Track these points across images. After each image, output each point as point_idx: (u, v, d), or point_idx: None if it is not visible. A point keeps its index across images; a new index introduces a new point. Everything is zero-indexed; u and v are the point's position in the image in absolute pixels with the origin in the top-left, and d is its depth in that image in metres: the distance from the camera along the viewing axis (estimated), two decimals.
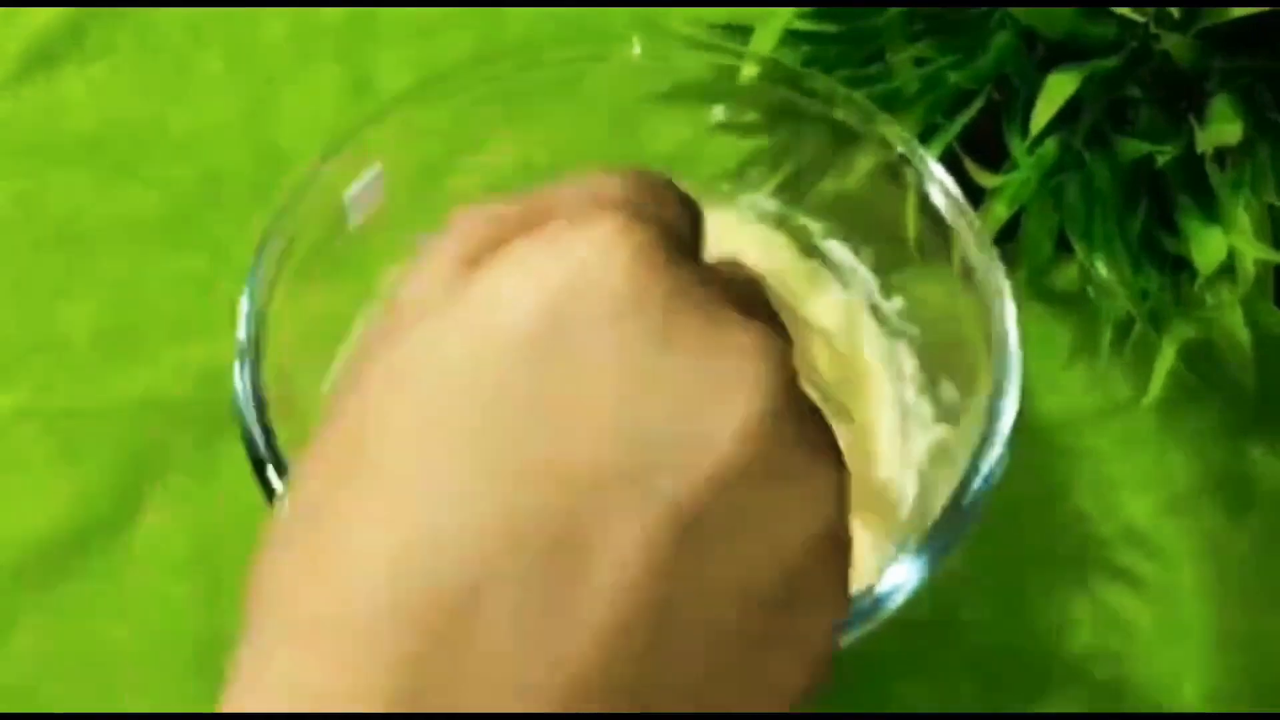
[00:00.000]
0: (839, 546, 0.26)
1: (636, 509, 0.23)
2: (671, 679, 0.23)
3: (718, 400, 0.24)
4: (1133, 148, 0.48)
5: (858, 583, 0.38)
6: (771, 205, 0.51)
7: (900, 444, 0.47)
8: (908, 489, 0.45)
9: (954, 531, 0.39)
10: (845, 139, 0.47)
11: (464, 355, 0.24)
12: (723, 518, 0.23)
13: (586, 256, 0.25)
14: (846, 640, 0.37)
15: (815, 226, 0.51)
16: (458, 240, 0.27)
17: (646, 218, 0.26)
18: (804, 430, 0.25)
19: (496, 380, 0.24)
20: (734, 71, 0.48)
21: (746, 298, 0.27)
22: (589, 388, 0.24)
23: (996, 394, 0.41)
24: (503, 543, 0.22)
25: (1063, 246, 0.51)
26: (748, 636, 0.24)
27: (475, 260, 0.26)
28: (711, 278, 0.26)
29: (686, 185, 0.51)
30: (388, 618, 0.22)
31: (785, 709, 0.25)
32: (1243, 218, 0.46)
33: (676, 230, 0.27)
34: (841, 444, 0.27)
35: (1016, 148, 0.50)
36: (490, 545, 0.22)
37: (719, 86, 0.49)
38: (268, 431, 0.40)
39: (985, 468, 0.39)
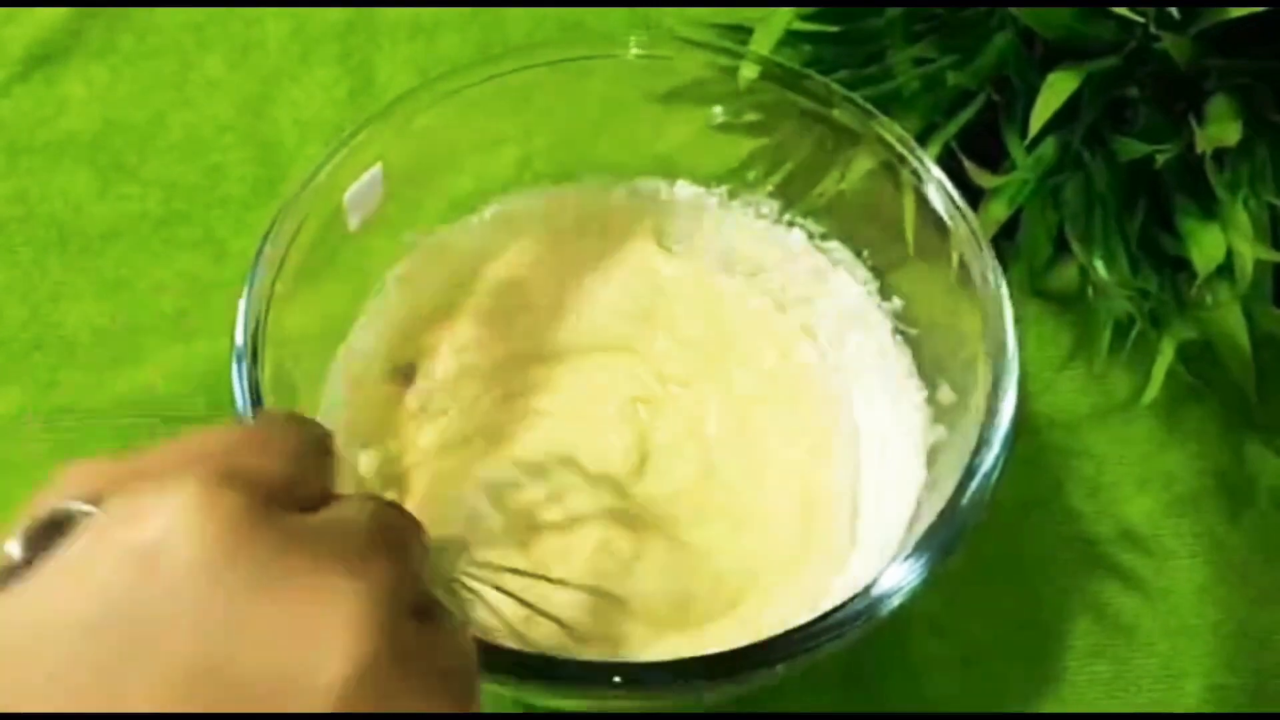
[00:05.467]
0: None
1: None
2: None
3: (307, 665, 0.24)
4: (1132, 148, 0.48)
5: (849, 589, 0.38)
6: (771, 205, 0.51)
7: (898, 447, 0.47)
8: (908, 490, 0.45)
9: (953, 531, 0.39)
10: (844, 139, 0.47)
11: (22, 657, 0.24)
12: None
13: (165, 526, 0.24)
14: (848, 639, 0.37)
15: (814, 227, 0.51)
16: (33, 509, 0.27)
17: (238, 475, 0.26)
18: (414, 669, 0.26)
19: (59, 682, 0.23)
20: (734, 72, 0.48)
21: (363, 537, 0.27)
22: (159, 685, 0.23)
23: (995, 394, 0.41)
24: None
25: (1061, 247, 0.51)
26: None
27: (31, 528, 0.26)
28: (311, 529, 0.26)
29: (678, 188, 0.51)
30: None
31: None
32: (1241, 218, 0.46)
33: (279, 480, 0.27)
34: None
35: (1015, 148, 0.50)
36: None
37: (719, 86, 0.49)
38: None
39: (983, 468, 0.39)
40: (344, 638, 0.24)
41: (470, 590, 0.41)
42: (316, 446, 0.29)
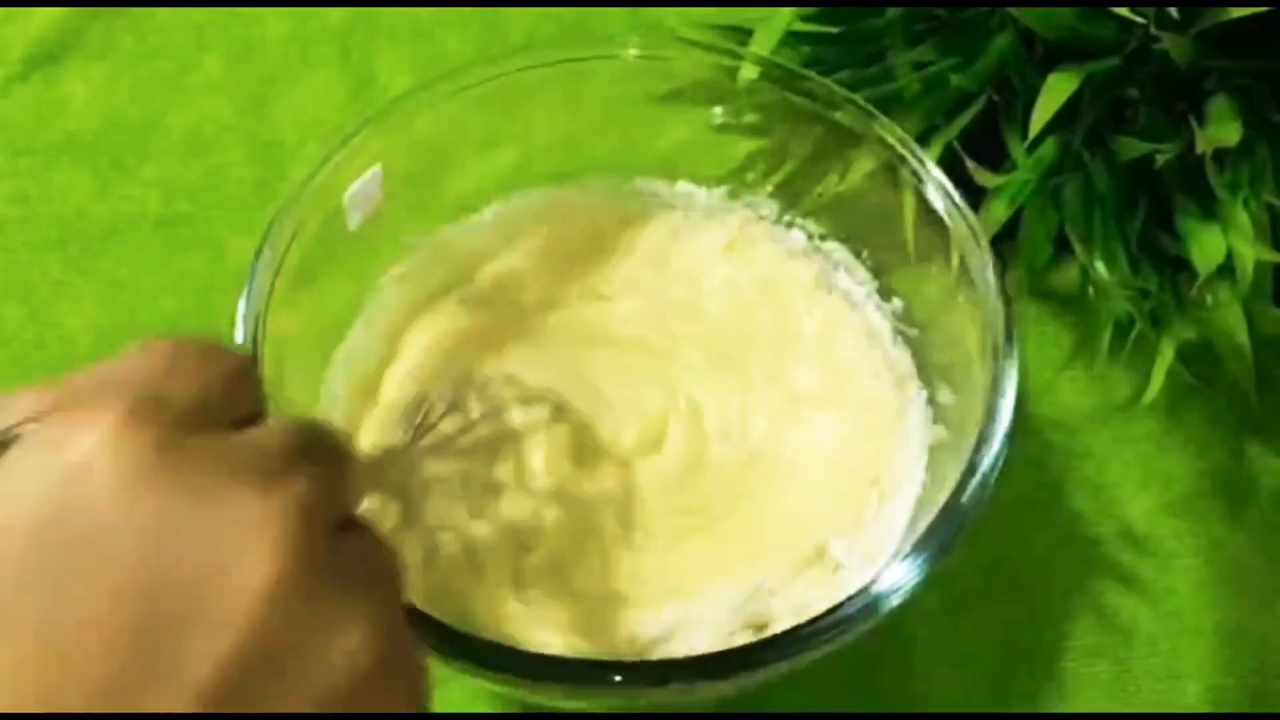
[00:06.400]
0: (393, 674, 0.28)
1: (165, 699, 0.24)
2: None
3: (228, 575, 0.25)
4: (1132, 148, 0.48)
5: (845, 590, 0.38)
6: (771, 206, 0.51)
7: (896, 446, 0.47)
8: (907, 489, 0.45)
9: (952, 531, 0.39)
10: (844, 140, 0.47)
11: None
12: (252, 684, 0.25)
13: (88, 451, 0.26)
14: (848, 639, 0.37)
15: (814, 227, 0.51)
16: None
17: (157, 400, 0.27)
18: (332, 578, 0.27)
19: (11, 572, 0.25)
20: (734, 72, 0.48)
21: (281, 454, 0.28)
22: (93, 587, 0.25)
23: (994, 394, 0.41)
24: None
25: (1062, 247, 0.51)
26: None
27: None
28: (228, 447, 0.27)
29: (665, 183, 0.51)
30: None
31: None
32: (1242, 218, 0.46)
33: (196, 402, 0.28)
34: None
35: (1016, 148, 0.50)
36: None
37: (719, 87, 0.49)
38: None
39: (983, 467, 0.39)
40: (259, 549, 0.26)
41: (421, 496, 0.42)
42: (237, 371, 0.30)
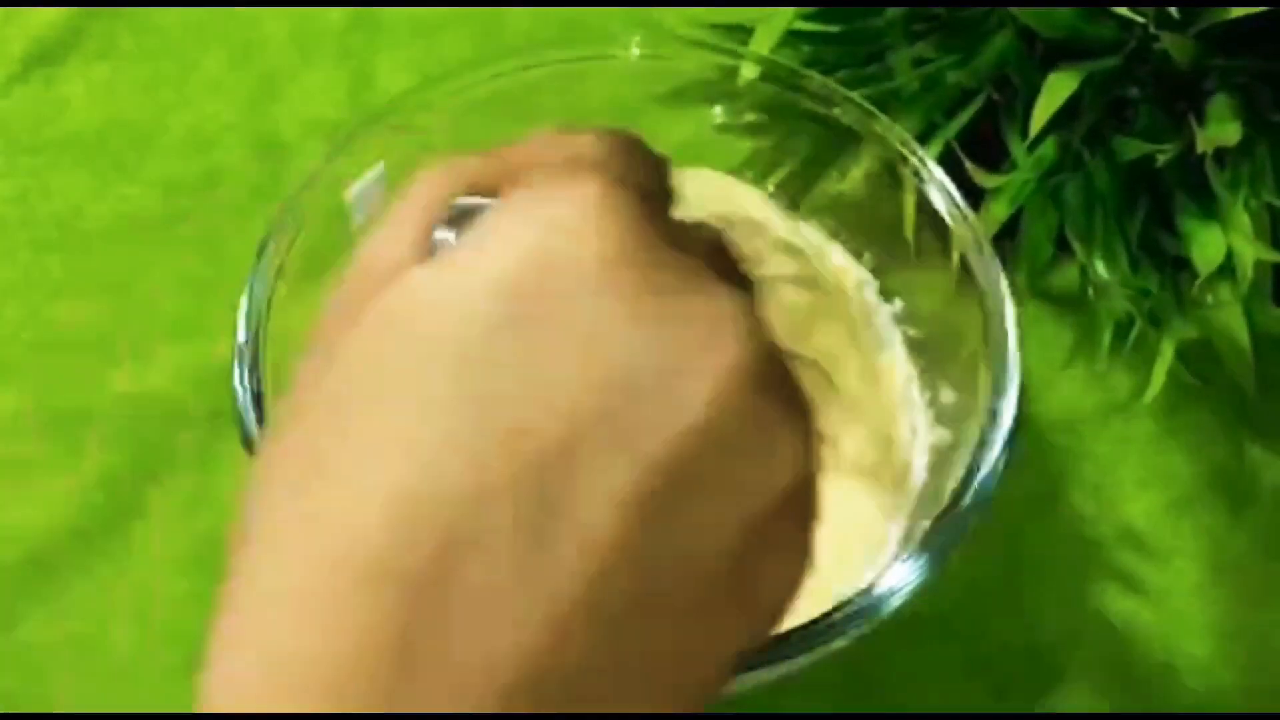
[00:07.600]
0: (806, 498, 0.27)
1: (614, 466, 0.24)
2: (652, 613, 0.24)
3: (694, 361, 0.25)
4: (1132, 147, 0.48)
5: (864, 557, 0.38)
6: (771, 206, 0.51)
7: (907, 428, 0.47)
8: (916, 476, 0.45)
9: (954, 532, 0.39)
10: (844, 139, 0.47)
11: (449, 311, 0.25)
12: (697, 474, 0.25)
13: (568, 219, 0.25)
14: (848, 639, 0.37)
15: (814, 227, 0.51)
16: (423, 199, 0.29)
17: (624, 181, 0.27)
18: (778, 387, 0.26)
19: (482, 336, 0.25)
20: (734, 72, 0.48)
21: (719, 257, 0.28)
22: (569, 345, 0.25)
23: (996, 395, 0.41)
24: (484, 500, 0.23)
25: (1062, 246, 0.51)
26: (719, 577, 0.25)
27: (442, 219, 0.27)
28: (686, 239, 0.27)
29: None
30: (377, 568, 0.23)
31: (748, 641, 0.27)
32: (1242, 217, 0.46)
33: (650, 191, 0.28)
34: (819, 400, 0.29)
35: (1016, 148, 0.50)
36: (471, 503, 0.23)
37: (719, 86, 0.49)
38: None
39: (985, 468, 0.39)
40: (728, 334, 0.25)
41: None
42: (670, 169, 0.31)
